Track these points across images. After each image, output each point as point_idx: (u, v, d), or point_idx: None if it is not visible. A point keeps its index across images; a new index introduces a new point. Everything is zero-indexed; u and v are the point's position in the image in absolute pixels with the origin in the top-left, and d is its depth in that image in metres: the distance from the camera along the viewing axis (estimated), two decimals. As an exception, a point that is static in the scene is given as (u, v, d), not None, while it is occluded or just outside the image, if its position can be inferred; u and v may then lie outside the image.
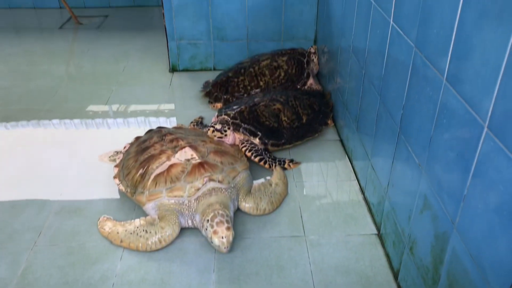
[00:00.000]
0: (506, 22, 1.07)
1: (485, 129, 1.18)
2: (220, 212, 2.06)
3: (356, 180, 2.54)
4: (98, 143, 2.91)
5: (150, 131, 2.77)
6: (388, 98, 1.97)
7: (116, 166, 2.53)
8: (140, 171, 2.32)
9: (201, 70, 3.86)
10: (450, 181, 1.40)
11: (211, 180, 2.17)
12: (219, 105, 3.29)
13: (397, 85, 1.84)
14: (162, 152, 2.36)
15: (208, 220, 2.04)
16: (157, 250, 2.09)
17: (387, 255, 2.04)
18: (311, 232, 2.20)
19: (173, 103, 3.39)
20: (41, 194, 2.46)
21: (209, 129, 2.65)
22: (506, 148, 1.09)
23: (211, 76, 3.71)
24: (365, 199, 2.39)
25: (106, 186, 2.53)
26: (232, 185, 2.24)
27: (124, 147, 2.68)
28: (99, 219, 2.25)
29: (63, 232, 2.22)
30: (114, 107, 3.33)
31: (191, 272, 2.00)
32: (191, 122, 3.07)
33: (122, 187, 2.35)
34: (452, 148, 1.37)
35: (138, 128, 3.09)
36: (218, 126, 2.65)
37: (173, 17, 3.60)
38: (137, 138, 2.74)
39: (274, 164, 2.60)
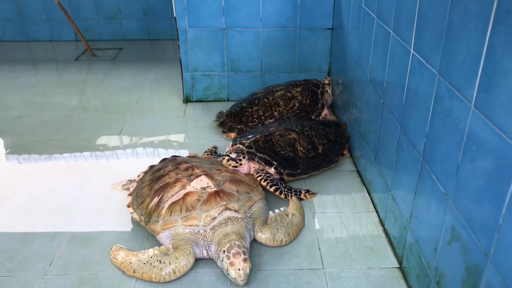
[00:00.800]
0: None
1: (521, 155, 1.14)
2: (237, 243, 2.00)
3: (375, 212, 2.48)
4: (111, 173, 2.89)
5: (164, 159, 2.75)
6: (409, 127, 1.94)
7: (129, 194, 2.49)
8: (155, 199, 2.28)
9: (214, 101, 3.88)
10: (481, 211, 1.35)
11: (227, 209, 2.12)
12: (233, 135, 3.27)
13: (419, 113, 1.82)
14: (177, 180, 2.33)
15: (224, 251, 1.98)
16: (171, 281, 2.03)
17: (411, 290, 1.96)
18: (330, 265, 2.13)
19: (186, 133, 3.39)
20: (53, 223, 2.42)
21: (224, 158, 2.62)
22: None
23: (224, 107, 3.72)
24: (385, 231, 2.32)
25: (119, 215, 2.48)
26: (248, 215, 2.19)
27: (138, 176, 2.65)
28: (111, 248, 2.20)
29: (74, 261, 2.17)
30: (128, 137, 3.33)
31: (206, 305, 1.92)
32: (205, 152, 3.05)
33: (136, 216, 2.31)
34: (484, 176, 1.33)
35: (151, 158, 3.07)
36: (233, 155, 2.62)
37: (188, 49, 3.64)
38: (151, 166, 2.71)
39: (290, 195, 2.55)
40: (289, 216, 2.36)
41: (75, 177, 2.84)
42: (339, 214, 2.48)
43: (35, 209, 2.54)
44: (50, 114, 3.69)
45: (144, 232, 2.34)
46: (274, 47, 3.67)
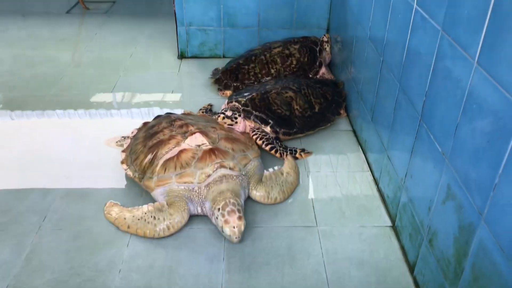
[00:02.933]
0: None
1: (523, 114, 1.11)
2: (232, 200, 2.00)
3: (370, 171, 2.47)
4: (105, 129, 2.85)
5: (158, 116, 2.70)
6: (409, 86, 1.90)
7: (123, 151, 2.47)
8: (149, 156, 2.26)
9: (210, 57, 3.79)
10: (478, 170, 1.33)
11: (222, 166, 2.11)
12: (228, 92, 3.21)
13: (420, 71, 1.77)
14: (171, 137, 2.30)
15: (219, 209, 1.98)
16: (165, 237, 2.04)
17: (402, 248, 1.98)
18: (323, 223, 2.14)
19: (181, 90, 3.32)
20: (47, 178, 2.40)
21: (219, 116, 2.58)
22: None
23: (220, 64, 3.64)
24: (379, 190, 2.32)
25: (112, 171, 2.47)
26: (243, 173, 2.18)
27: (132, 132, 2.62)
28: (105, 204, 2.19)
29: (68, 216, 2.16)
30: (121, 93, 3.26)
31: (200, 260, 1.94)
32: (200, 109, 3.01)
33: (130, 172, 2.29)
34: (482, 135, 1.30)
35: (145, 114, 3.02)
36: (229, 113, 2.58)
37: (183, 2, 3.52)
38: (145, 123, 2.67)
39: (285, 153, 2.54)
40: (284, 174, 2.36)
41: (68, 133, 2.81)
42: (334, 173, 2.48)
43: (29, 164, 2.52)
44: (42, 69, 3.60)
45: (138, 188, 2.33)
46: (272, 2, 3.55)
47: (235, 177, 2.13)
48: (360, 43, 2.66)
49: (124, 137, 2.69)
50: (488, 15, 1.26)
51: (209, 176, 2.09)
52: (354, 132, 2.82)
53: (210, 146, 2.19)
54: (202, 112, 2.96)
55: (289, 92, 2.77)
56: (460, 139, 1.45)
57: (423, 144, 1.75)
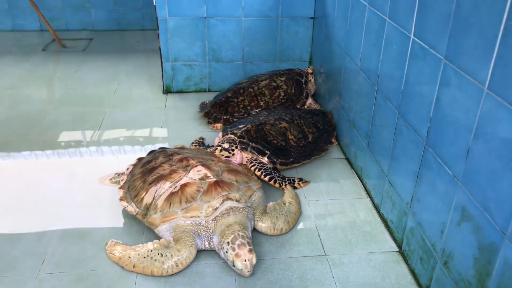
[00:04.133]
0: None
1: (544, 134, 1.18)
2: (241, 233, 1.98)
3: (369, 198, 2.51)
4: (96, 167, 2.79)
5: (152, 151, 2.67)
6: (409, 113, 1.97)
7: (120, 188, 2.41)
8: (151, 192, 2.22)
9: (195, 91, 3.81)
10: (498, 191, 1.38)
11: (228, 199, 2.09)
12: (218, 125, 3.23)
13: (422, 99, 1.84)
14: (172, 172, 2.27)
15: (228, 243, 1.95)
16: (174, 274, 1.98)
17: (413, 272, 2.00)
18: (331, 251, 2.14)
19: (170, 125, 3.31)
20: (41, 220, 2.31)
21: (216, 148, 2.58)
22: None
23: (206, 98, 3.67)
24: (380, 216, 2.36)
25: (109, 209, 2.40)
26: (249, 204, 2.17)
27: (127, 169, 2.57)
28: (107, 243, 2.12)
29: (68, 258, 2.07)
30: (109, 130, 3.21)
31: (213, 296, 1.89)
32: (192, 143, 3.00)
33: (131, 209, 2.23)
34: (500, 157, 1.36)
35: (136, 151, 2.98)
36: (226, 145, 2.59)
37: (168, 38, 3.55)
38: (140, 159, 2.63)
39: (284, 183, 2.55)
40: (287, 204, 2.36)
41: (58, 172, 2.72)
42: (334, 201, 2.50)
43: (19, 207, 2.41)
44: (23, 108, 3.51)
45: (139, 226, 2.28)
46: (256, 37, 3.64)
47: (241, 209, 2.11)
48: (349, 73, 2.75)
49: (118, 174, 2.64)
50: (497, 43, 1.34)
51: (216, 209, 2.06)
52: (348, 159, 2.87)
53: (214, 179, 2.17)
54: (195, 145, 2.95)
55: (283, 123, 2.81)
56: (473, 162, 1.50)
57: (430, 169, 1.81)
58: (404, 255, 2.10)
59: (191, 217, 2.06)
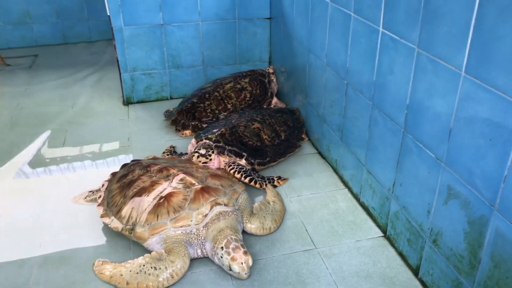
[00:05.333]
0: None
1: (526, 110, 1.28)
2: (233, 237, 1.98)
3: (347, 188, 2.58)
4: (66, 187, 2.67)
5: (125, 165, 2.60)
6: (384, 102, 2.05)
7: (99, 205, 2.33)
8: (134, 205, 2.16)
9: (157, 100, 3.75)
10: (483, 167, 1.48)
11: (217, 204, 2.09)
12: (188, 132, 3.20)
13: (396, 87, 1.93)
14: (154, 183, 2.23)
15: (222, 248, 1.95)
16: (169, 286, 1.94)
17: (400, 254, 2.09)
18: (321, 244, 2.19)
19: (137, 136, 3.23)
20: (17, 248, 2.19)
21: (193, 155, 2.56)
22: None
23: (169, 105, 3.62)
24: (361, 204, 2.43)
25: (90, 228, 2.32)
26: (236, 207, 2.17)
27: (103, 185, 2.49)
28: (94, 264, 2.05)
29: (54, 285, 1.98)
30: (74, 147, 3.09)
31: (214, 303, 1.88)
32: (164, 152, 2.95)
33: (115, 226, 2.17)
34: (483, 136, 1.45)
35: (106, 165, 2.89)
36: (203, 151, 2.57)
37: (125, 48, 3.47)
38: (114, 174, 2.56)
39: (264, 183, 2.57)
40: (271, 203, 2.38)
41: (28, 196, 2.59)
42: (314, 195, 2.55)
43: (-9, 236, 2.28)
44: (-26, 132, 3.30)
45: (124, 241, 2.22)
46: (214, 40, 3.63)
47: (231, 213, 2.11)
48: (315, 70, 2.82)
49: (92, 192, 2.55)
50: (471, 30, 1.44)
51: (206, 216, 2.05)
52: (320, 153, 2.94)
53: (200, 186, 2.16)
54: (167, 154, 2.91)
55: (256, 124, 2.83)
56: (456, 142, 1.60)
57: (411, 154, 1.89)
58: (390, 239, 2.18)
59: (181, 226, 2.03)
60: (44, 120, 3.46)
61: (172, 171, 2.30)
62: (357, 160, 2.41)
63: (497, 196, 1.43)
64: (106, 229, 2.30)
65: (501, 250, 1.45)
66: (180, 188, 2.16)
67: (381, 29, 1.99)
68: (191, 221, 2.04)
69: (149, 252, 2.08)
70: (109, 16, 3.34)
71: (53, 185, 2.70)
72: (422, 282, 1.94)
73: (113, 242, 2.23)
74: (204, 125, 3.19)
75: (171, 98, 3.77)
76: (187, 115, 3.25)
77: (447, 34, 1.56)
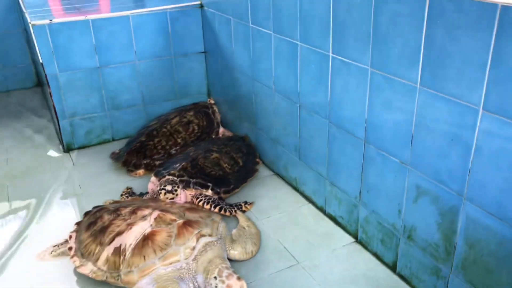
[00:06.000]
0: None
1: (481, 111, 1.53)
2: (224, 265, 2.04)
3: (311, 203, 2.75)
4: (25, 244, 2.51)
5: (88, 212, 2.53)
6: (342, 119, 2.26)
7: (73, 257, 2.24)
8: (113, 251, 2.12)
9: (99, 143, 3.66)
10: (447, 165, 1.72)
11: (202, 236, 2.12)
12: (141, 171, 3.17)
13: (353, 105, 2.15)
14: (131, 225, 2.21)
15: (215, 277, 1.99)
16: (168, 326, 1.93)
17: (375, 255, 2.28)
18: (302, 258, 2.31)
19: (88, 182, 3.12)
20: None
21: (160, 193, 2.57)
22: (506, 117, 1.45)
23: (112, 148, 3.55)
24: (328, 216, 2.61)
25: (66, 284, 2.22)
26: (219, 236, 2.22)
27: (70, 237, 2.39)
28: (82, 319, 1.97)
29: None
30: (20, 202, 2.91)
31: (217, 333, 1.90)
32: (122, 195, 2.90)
33: (98, 275, 2.10)
34: (444, 137, 1.70)
35: (61, 218, 2.75)
36: (169, 187, 2.59)
37: (61, 94, 3.37)
38: (78, 223, 2.48)
39: (234, 210, 2.64)
40: (246, 228, 2.47)
41: (-17, 261, 2.40)
42: (282, 214, 2.68)
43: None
44: None
45: (107, 290, 2.15)
46: (152, 78, 3.67)
47: (216, 243, 2.16)
48: (262, 97, 2.98)
49: (57, 245, 2.44)
50: (421, 49, 1.69)
51: (194, 248, 2.08)
52: (277, 174, 3.09)
53: (182, 220, 2.18)
54: (126, 196, 2.86)
55: (214, 154, 2.91)
56: (419, 146, 1.83)
57: (375, 162, 2.11)
58: (362, 243, 2.37)
59: (171, 263, 2.04)
60: (-21, 178, 3.21)
61: (147, 210, 2.29)
62: (319, 175, 2.59)
63: (464, 187, 1.67)
64: (83, 282, 2.21)
65: (473, 233, 1.69)
66: (161, 226, 2.16)
67: (331, 54, 2.21)
68: (180, 256, 2.05)
69: (138, 296, 2.05)
70: (42, 63, 3.24)
71: (8, 244, 2.52)
72: (400, 276, 2.14)
73: (95, 293, 2.15)
74: (157, 162, 3.18)
75: (113, 140, 3.70)
76: (137, 155, 3.22)
77: (400, 54, 1.81)
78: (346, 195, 2.39)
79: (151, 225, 2.17)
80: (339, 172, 2.41)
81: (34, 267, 2.33)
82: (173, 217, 2.21)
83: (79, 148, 3.59)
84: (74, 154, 3.52)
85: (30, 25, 3.13)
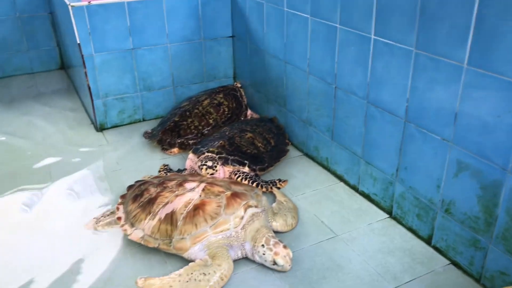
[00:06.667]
0: None
1: (529, 88, 1.64)
2: (270, 234, 2.16)
3: (342, 182, 2.86)
4: (73, 218, 2.61)
5: (131, 186, 2.65)
6: (381, 99, 2.36)
7: (123, 226, 2.36)
8: (164, 220, 2.23)
9: (130, 123, 3.76)
10: (492, 140, 1.82)
11: (249, 206, 2.24)
12: (175, 150, 3.28)
13: (394, 84, 2.25)
14: (179, 196, 2.32)
15: (263, 245, 2.11)
16: (220, 289, 2.06)
17: (410, 229, 2.39)
18: (340, 231, 2.43)
19: (124, 159, 3.23)
20: (46, 285, 2.14)
21: (202, 168, 2.68)
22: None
23: (143, 127, 3.66)
24: (361, 193, 2.72)
25: (115, 251, 2.34)
26: (263, 208, 2.34)
27: (117, 208, 2.50)
28: (136, 282, 2.08)
29: (105, 307, 1.99)
30: (64, 178, 3.01)
31: (267, 296, 2.03)
32: (159, 171, 3.01)
33: (150, 242, 2.22)
34: (491, 113, 1.80)
35: (103, 192, 2.86)
36: (210, 163, 2.70)
37: (96, 75, 3.47)
38: (123, 196, 2.59)
39: (270, 186, 2.76)
40: (284, 203, 2.58)
41: (35, 230, 2.51)
42: (316, 191, 2.79)
43: (13, 276, 2.19)
44: None
45: (156, 257, 2.27)
46: (182, 61, 3.76)
47: (261, 214, 2.27)
48: (294, 79, 3.08)
49: (102, 216, 2.55)
50: (471, 29, 1.79)
51: (242, 218, 2.19)
52: (306, 155, 3.19)
53: (230, 192, 2.29)
54: (164, 173, 2.97)
55: (248, 133, 3.02)
56: (462, 123, 1.93)
57: (414, 140, 2.22)
58: (396, 219, 2.48)
59: (222, 231, 2.15)
60: (18, 158, 3.31)
61: (194, 183, 2.41)
62: (353, 154, 2.70)
63: (508, 161, 1.78)
64: (132, 248, 2.33)
65: (515, 203, 1.80)
66: (210, 197, 2.27)
67: (373, 36, 2.31)
68: (230, 224, 2.16)
69: (188, 262, 2.16)
70: (79, 44, 3.33)
71: (57, 217, 2.63)
72: (436, 248, 2.25)
73: (145, 260, 2.27)
74: (190, 142, 3.29)
75: (144, 120, 3.80)
76: (172, 134, 3.33)
77: (446, 34, 1.90)
78: (382, 173, 2.50)
79: (200, 196, 2.29)
80: (375, 150, 2.52)
81: (84, 236, 2.44)
82: (221, 189, 2.32)
83: (112, 127, 3.69)
84: (107, 133, 3.62)
85: (69, 7, 3.22)
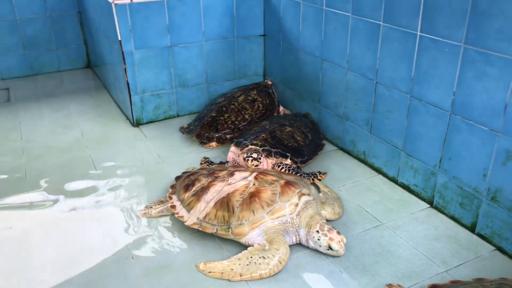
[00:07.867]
0: None
1: None
2: (323, 221, 2.26)
3: (380, 174, 2.96)
4: (128, 206, 2.72)
5: (179, 177, 2.76)
6: (425, 93, 2.47)
7: (178, 213, 2.46)
8: (220, 207, 2.33)
9: (165, 119, 3.87)
10: (543, 128, 1.93)
11: (303, 194, 2.34)
12: (214, 144, 3.38)
13: (440, 79, 2.35)
14: (232, 184, 2.42)
15: (318, 231, 2.21)
16: (277, 273, 2.15)
17: (453, 217, 2.50)
18: (385, 220, 2.53)
19: (165, 153, 3.33)
20: (116, 258, 2.24)
21: (247, 160, 2.78)
22: None
23: (178, 123, 3.77)
24: (400, 185, 2.82)
25: (171, 236, 2.44)
26: (315, 197, 2.44)
27: (170, 197, 2.60)
28: (198, 266, 2.19)
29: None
30: (110, 171, 3.11)
31: (324, 279, 2.12)
32: (201, 163, 3.11)
33: (207, 228, 2.32)
34: (542, 104, 1.91)
35: (149, 183, 2.96)
36: (255, 155, 2.80)
37: (135, 71, 3.57)
38: (173, 186, 2.70)
39: (312, 178, 2.86)
40: (328, 193, 2.68)
41: (94, 222, 2.61)
42: (356, 183, 2.90)
43: (88, 258, 2.29)
44: (-11, 168, 3.17)
45: (212, 242, 2.37)
46: (216, 58, 3.87)
47: (313, 201, 2.38)
48: (331, 75, 3.19)
49: (157, 204, 2.65)
50: (524, 26, 1.90)
51: (297, 205, 2.30)
52: (342, 149, 3.30)
53: (284, 180, 2.39)
54: (207, 165, 3.07)
55: (287, 127, 3.12)
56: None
57: (459, 131, 2.32)
58: (438, 208, 2.59)
59: (278, 217, 2.25)
60: (61, 150, 3.41)
61: (245, 173, 2.51)
62: (393, 147, 2.81)
63: (559, 148, 1.89)
64: (188, 234, 2.43)
65: None
66: (264, 185, 2.37)
67: (419, 33, 2.42)
68: (286, 211, 2.27)
69: (245, 247, 2.26)
70: (120, 40, 3.43)
71: (112, 205, 2.73)
72: (480, 235, 2.35)
73: (202, 245, 2.36)
74: (228, 136, 3.40)
75: (178, 116, 3.91)
76: (210, 128, 3.43)
77: (497, 29, 2.01)
78: (424, 164, 2.61)
79: (254, 184, 2.39)
80: (417, 143, 2.62)
81: (140, 224, 2.54)
82: (274, 177, 2.42)
83: (147, 122, 3.80)
84: (143, 128, 3.73)
85: (112, 4, 3.32)
